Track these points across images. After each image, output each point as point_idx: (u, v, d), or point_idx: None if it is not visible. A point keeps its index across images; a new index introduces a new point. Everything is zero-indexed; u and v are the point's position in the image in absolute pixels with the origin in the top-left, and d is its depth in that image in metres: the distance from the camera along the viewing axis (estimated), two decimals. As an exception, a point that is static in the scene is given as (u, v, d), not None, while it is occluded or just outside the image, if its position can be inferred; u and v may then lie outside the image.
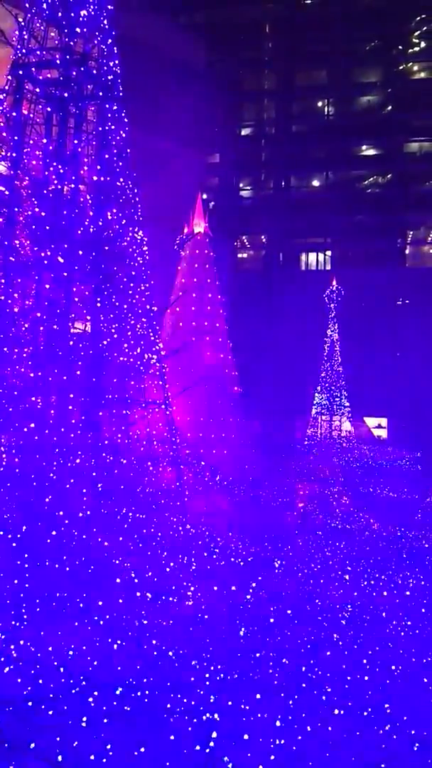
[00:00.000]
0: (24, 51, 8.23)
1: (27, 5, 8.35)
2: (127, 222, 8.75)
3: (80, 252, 7.95)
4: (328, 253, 37.97)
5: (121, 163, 8.65)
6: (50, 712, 4.67)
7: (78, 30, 8.27)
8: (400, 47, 36.56)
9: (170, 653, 5.58)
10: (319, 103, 38.95)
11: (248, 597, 6.77)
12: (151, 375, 9.08)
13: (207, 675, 5.30)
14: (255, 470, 14.81)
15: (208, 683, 5.20)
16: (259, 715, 4.80)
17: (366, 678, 5.40)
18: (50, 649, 5.53)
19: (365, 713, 4.88)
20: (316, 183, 38.95)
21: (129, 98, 8.87)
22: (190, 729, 4.62)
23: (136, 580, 6.75)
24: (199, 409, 14.73)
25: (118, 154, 8.62)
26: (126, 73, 8.81)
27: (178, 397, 13.09)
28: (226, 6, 35.93)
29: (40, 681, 5.04)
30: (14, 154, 8.08)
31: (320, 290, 25.25)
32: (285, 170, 38.12)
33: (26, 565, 6.58)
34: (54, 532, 6.90)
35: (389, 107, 36.86)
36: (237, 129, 39.66)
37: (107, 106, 8.50)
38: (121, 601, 6.39)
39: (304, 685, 5.23)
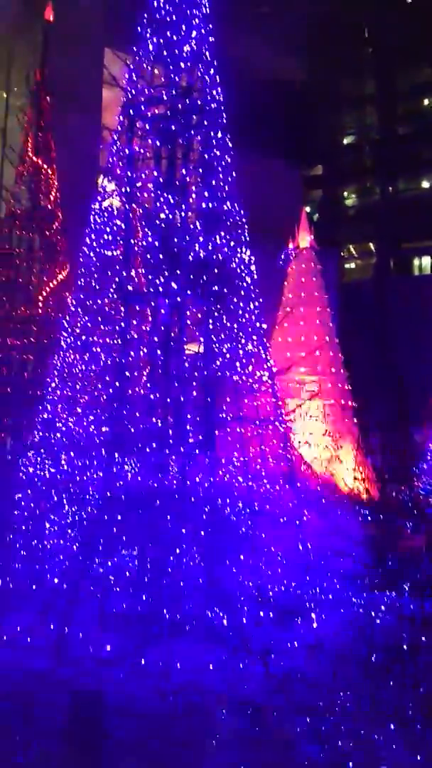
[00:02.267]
0: (134, 92, 8.75)
1: (134, 48, 8.89)
2: (235, 244, 8.92)
3: (192, 276, 8.22)
4: (443, 255, 35.98)
5: (227, 188, 8.86)
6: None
7: (182, 65, 8.66)
8: None
9: (297, 675, 5.49)
10: (425, 101, 37.36)
11: (377, 621, 6.50)
12: (263, 392, 9.10)
13: (338, 701, 5.14)
14: (374, 487, 14.25)
15: (338, 708, 5.04)
16: (394, 746, 4.56)
17: None
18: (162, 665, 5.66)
19: None
20: (425, 184, 37.27)
21: (230, 120, 9.08)
22: (321, 755, 4.50)
23: (259, 599, 6.74)
24: (312, 425, 14.49)
25: (224, 179, 8.84)
26: (226, 95, 9.04)
27: (292, 414, 12.97)
28: (321, 15, 35.64)
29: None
30: (128, 189, 8.57)
31: (436, 295, 23.94)
32: (392, 174, 36.89)
33: (151, 582, 6.82)
34: (178, 550, 7.09)
35: None
36: (339, 138, 39.10)
37: (212, 133, 8.77)
38: (245, 620, 6.41)
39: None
